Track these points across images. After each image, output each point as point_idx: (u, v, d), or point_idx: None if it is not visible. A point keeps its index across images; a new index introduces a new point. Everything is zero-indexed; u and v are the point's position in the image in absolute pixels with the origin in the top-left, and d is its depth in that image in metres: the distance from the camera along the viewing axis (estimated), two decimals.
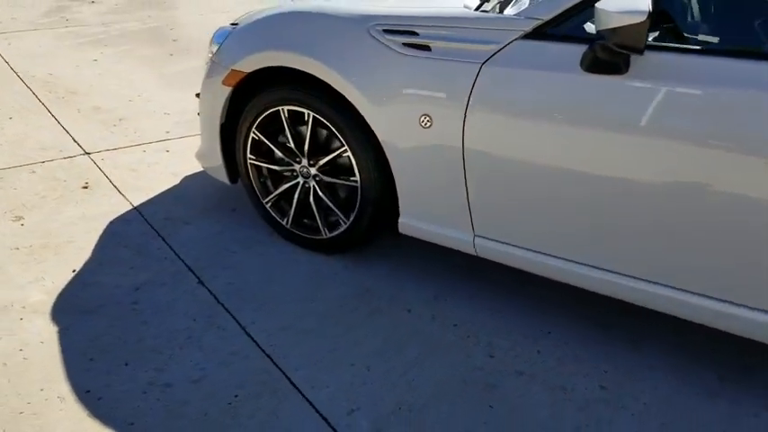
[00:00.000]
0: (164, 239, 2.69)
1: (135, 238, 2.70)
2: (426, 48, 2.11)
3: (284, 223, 2.64)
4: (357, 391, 1.96)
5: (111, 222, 2.80)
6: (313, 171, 2.49)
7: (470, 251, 2.26)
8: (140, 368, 2.02)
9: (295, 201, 2.57)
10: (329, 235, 2.54)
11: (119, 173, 3.21)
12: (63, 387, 1.94)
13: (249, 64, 2.43)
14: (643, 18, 1.62)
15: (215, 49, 2.65)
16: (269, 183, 2.65)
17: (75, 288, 2.37)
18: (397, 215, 2.35)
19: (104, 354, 2.07)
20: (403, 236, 2.39)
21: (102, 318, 2.23)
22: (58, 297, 2.32)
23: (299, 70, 2.37)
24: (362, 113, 2.23)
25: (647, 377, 2.03)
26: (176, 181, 3.16)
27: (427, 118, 2.11)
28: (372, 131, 2.26)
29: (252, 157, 2.61)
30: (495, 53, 1.99)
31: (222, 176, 2.76)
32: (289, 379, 2.00)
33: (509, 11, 2.09)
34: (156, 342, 2.12)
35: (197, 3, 6.29)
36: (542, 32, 1.95)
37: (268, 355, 2.09)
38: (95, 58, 4.84)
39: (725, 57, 1.72)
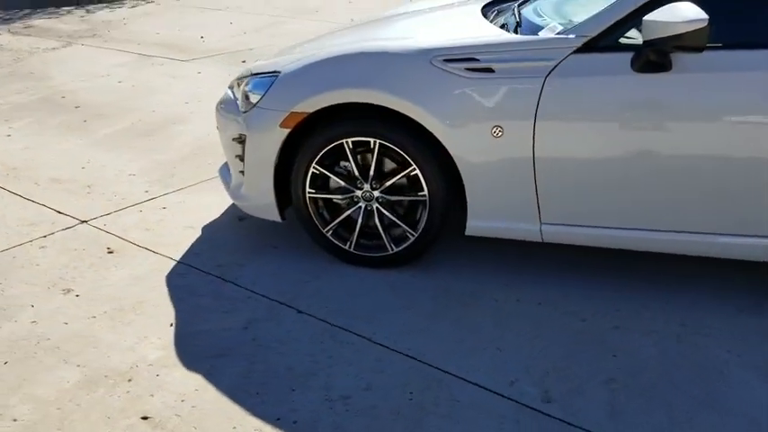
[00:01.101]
0: (233, 283, 2.78)
1: (203, 286, 2.76)
2: (490, 70, 2.49)
3: (347, 247, 2.85)
4: (505, 367, 2.25)
5: (168, 277, 2.83)
6: (376, 194, 2.75)
7: (537, 239, 2.65)
8: (308, 390, 2.16)
9: (359, 224, 2.80)
10: (396, 249, 2.79)
11: (135, 234, 3.21)
12: (253, 421, 2.03)
13: (313, 104, 2.65)
14: (705, 23, 2.13)
15: (256, 98, 2.82)
16: (326, 213, 2.85)
17: (186, 339, 2.42)
18: (457, 221, 2.67)
19: (265, 386, 2.18)
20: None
21: (236, 358, 2.32)
22: (177, 350, 2.36)
23: (358, 104, 2.62)
24: (436, 134, 2.55)
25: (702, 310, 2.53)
26: (197, 233, 3.22)
27: (499, 129, 2.49)
28: (440, 148, 2.57)
29: (311, 190, 2.80)
30: (555, 67, 2.42)
31: (273, 215, 2.91)
32: (442, 370, 2.24)
33: (545, 33, 2.53)
34: (303, 367, 2.26)
35: (70, 71, 6.09)
36: (591, 46, 2.41)
37: (410, 357, 2.31)
38: (8, 134, 4.61)
39: (741, 49, 2.28)
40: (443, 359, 2.29)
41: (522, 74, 2.46)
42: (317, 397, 2.13)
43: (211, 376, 2.23)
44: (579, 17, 2.54)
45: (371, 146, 2.67)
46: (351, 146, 2.69)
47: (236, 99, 3.03)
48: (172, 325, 2.50)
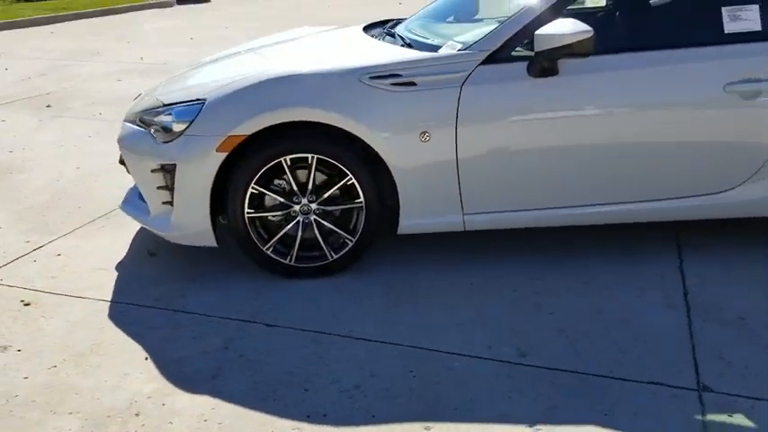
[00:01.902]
0: (184, 311, 2.79)
1: (154, 319, 2.74)
2: (413, 83, 2.84)
3: (288, 261, 2.99)
4: (474, 337, 2.57)
5: (111, 318, 2.76)
6: (314, 206, 2.95)
7: (460, 228, 3.03)
8: (320, 388, 2.30)
9: (299, 238, 2.96)
10: (336, 256, 3.00)
11: (43, 283, 3.04)
12: (286, 422, 2.14)
13: (252, 126, 2.78)
14: (592, 34, 2.68)
15: (181, 126, 2.87)
16: (262, 231, 2.98)
17: (171, 367, 2.42)
18: (388, 223, 2.96)
19: (278, 392, 2.28)
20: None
21: (233, 374, 2.38)
22: (169, 378, 2.36)
23: (293, 123, 2.82)
24: (371, 144, 2.82)
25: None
26: (112, 272, 3.14)
27: (426, 135, 2.84)
28: (371, 157, 2.86)
29: (250, 210, 2.91)
30: (467, 78, 2.84)
31: (208, 240, 2.96)
32: (427, 348, 2.52)
33: (446, 50, 2.94)
34: (303, 370, 2.39)
35: None
36: (494, 58, 2.87)
37: (393, 343, 2.55)
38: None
39: (613, 53, 2.87)
40: (421, 340, 2.55)
41: (441, 85, 2.83)
42: (331, 392, 2.28)
43: (220, 394, 2.27)
44: (457, 35, 3.00)
45: (309, 161, 2.86)
46: (289, 163, 2.85)
47: (147, 131, 3.02)
48: (147, 359, 2.47)
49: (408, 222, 2.97)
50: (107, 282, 3.04)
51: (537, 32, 2.77)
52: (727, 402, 2.18)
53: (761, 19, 2.95)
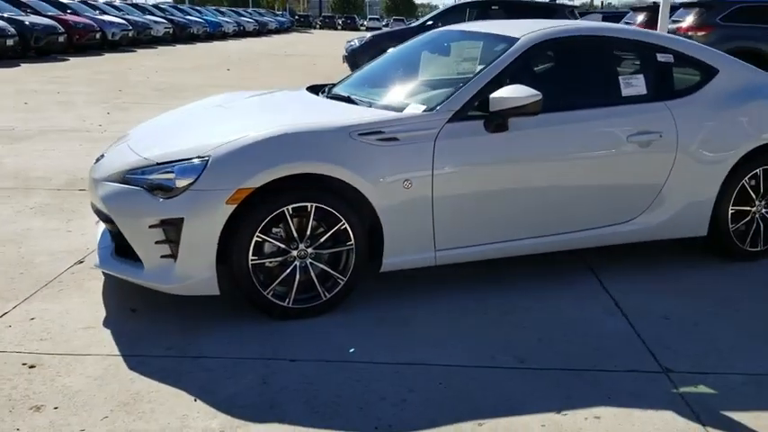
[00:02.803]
0: (206, 357, 2.93)
1: (179, 367, 2.85)
2: (395, 139, 3.29)
3: (286, 304, 3.24)
4: (476, 351, 3.01)
5: (135, 370, 2.83)
6: (310, 250, 3.25)
7: (432, 263, 3.49)
8: (374, 403, 2.60)
9: (296, 281, 3.23)
10: (329, 296, 3.30)
11: (37, 345, 2.98)
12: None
13: (260, 180, 3.03)
14: (540, 97, 3.31)
15: (184, 182, 3.06)
16: (262, 276, 3.21)
17: (226, 404, 2.56)
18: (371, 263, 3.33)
19: (341, 410, 2.55)
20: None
21: (290, 404, 2.59)
22: (230, 413, 2.51)
23: (293, 175, 3.13)
24: (363, 192, 3.20)
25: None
26: (103, 331, 3.14)
27: (408, 182, 3.29)
28: (363, 205, 3.25)
29: (254, 258, 3.14)
30: (438, 133, 3.35)
31: (212, 289, 3.13)
32: (441, 365, 2.91)
33: (411, 110, 3.43)
34: (348, 392, 2.67)
35: None
36: (458, 116, 3.41)
37: (414, 363, 2.92)
38: None
39: (553, 111, 3.52)
40: (433, 358, 2.93)
41: (419, 140, 3.30)
42: (384, 407, 2.58)
43: (287, 419, 2.48)
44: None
45: (308, 209, 3.17)
46: (291, 212, 3.14)
47: (141, 189, 3.14)
48: (196, 400, 2.60)
49: (390, 261, 3.36)
50: (103, 339, 3.06)
51: (492, 96, 3.35)
52: (687, 378, 2.81)
53: (645, 86, 3.78)
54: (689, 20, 13.34)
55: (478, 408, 2.57)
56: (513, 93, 3.31)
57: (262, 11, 55.61)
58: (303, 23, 66.26)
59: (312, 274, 3.23)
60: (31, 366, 2.82)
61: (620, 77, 3.78)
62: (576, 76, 3.87)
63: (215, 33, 33.02)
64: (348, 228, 3.22)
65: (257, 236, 3.09)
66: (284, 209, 3.11)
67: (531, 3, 14.48)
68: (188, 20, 30.66)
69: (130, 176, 3.22)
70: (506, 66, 3.53)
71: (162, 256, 3.10)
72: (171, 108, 4.84)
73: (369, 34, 13.27)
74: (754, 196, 4.03)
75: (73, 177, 5.89)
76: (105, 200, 3.21)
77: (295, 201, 3.12)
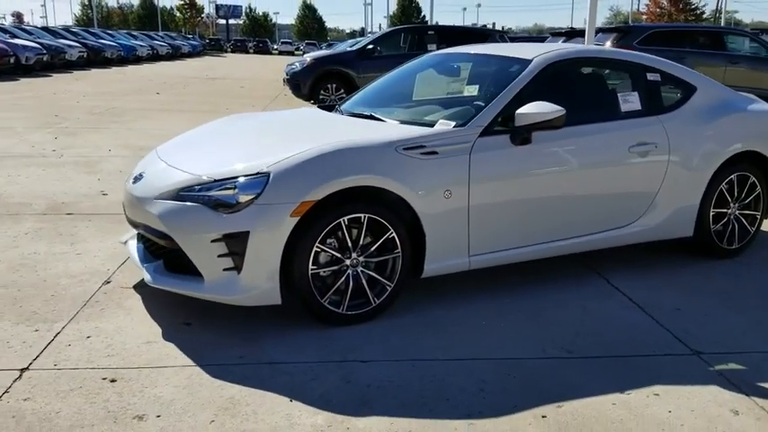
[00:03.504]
0: (279, 362, 3.07)
1: (261, 373, 2.97)
2: (435, 153, 3.54)
3: (340, 310, 3.41)
4: (526, 346, 3.28)
5: (220, 379, 2.93)
6: (361, 259, 3.44)
7: (466, 268, 3.74)
8: (456, 395, 2.83)
9: (350, 288, 3.41)
10: (378, 301, 3.50)
11: (107, 361, 3.03)
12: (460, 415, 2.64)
13: (322, 192, 3.21)
14: (564, 112, 3.64)
15: (248, 197, 3.19)
16: (319, 285, 3.37)
17: (323, 403, 2.72)
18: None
19: (432, 401, 2.76)
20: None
21: (383, 398, 2.78)
22: (331, 413, 2.67)
23: (348, 188, 3.32)
24: (410, 202, 3.43)
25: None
26: (165, 344, 3.21)
27: (448, 192, 3.54)
28: (408, 215, 3.47)
29: (313, 267, 3.30)
30: (472, 147, 3.63)
31: (274, 298, 3.26)
32: (493, 358, 3.17)
33: (441, 126, 3.70)
34: (430, 388, 2.88)
35: None
36: (487, 131, 3.70)
37: (468, 359, 3.15)
38: None
39: (567, 126, 3.86)
40: (491, 353, 3.18)
41: (456, 153, 3.56)
42: (468, 397, 2.79)
43: (386, 412, 2.65)
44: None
45: (361, 220, 3.36)
46: (347, 222, 3.33)
47: (201, 205, 3.24)
48: (292, 400, 2.73)
49: (431, 267, 3.59)
50: (169, 352, 3.13)
51: (518, 112, 3.66)
52: (717, 358, 3.17)
53: (639, 102, 4.20)
54: (608, 44, 14.30)
55: (549, 392, 2.83)
56: (538, 109, 3.63)
57: (173, 34, 54.68)
58: (214, 47, 65.53)
59: (363, 281, 3.41)
60: (112, 380, 2.87)
61: (618, 94, 4.18)
62: (582, 93, 4.25)
63: (129, 57, 32.30)
64: (396, 236, 3.42)
65: (316, 246, 3.25)
66: (341, 220, 3.28)
67: (465, 28, 15.11)
68: (101, 43, 29.89)
69: (186, 194, 3.31)
70: (525, 84, 3.85)
71: (224, 269, 3.21)
72: (122, 132, 4.91)
73: (308, 58, 13.47)
74: (729, 200, 4.50)
75: (53, 202, 5.80)
76: (163, 217, 3.29)
77: (351, 212, 3.30)
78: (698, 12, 52.68)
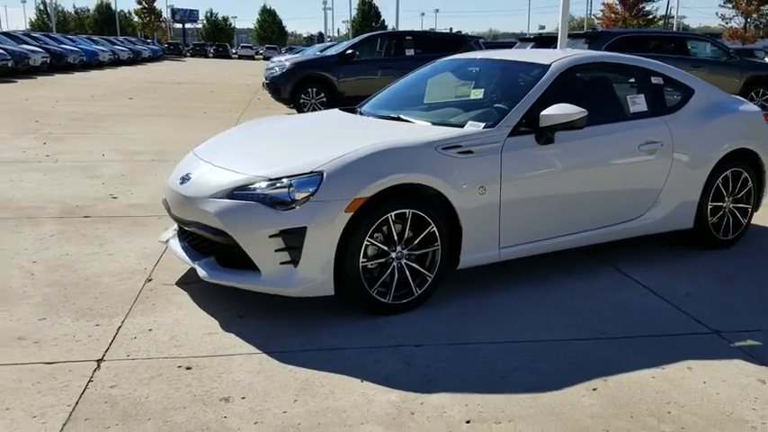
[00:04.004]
0: (338, 348, 3.28)
1: (324, 357, 3.18)
2: (470, 152, 3.80)
3: (387, 300, 3.63)
4: (559, 330, 3.55)
5: (289, 364, 3.13)
6: (405, 252, 3.67)
7: (496, 260, 4.01)
8: (508, 381, 3.08)
9: (395, 280, 3.64)
10: (420, 291, 3.73)
11: (175, 351, 3.20)
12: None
13: (373, 189, 3.42)
14: (586, 113, 3.94)
15: (304, 194, 3.40)
16: (368, 277, 3.58)
17: (391, 383, 2.95)
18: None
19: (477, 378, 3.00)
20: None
21: (445, 378, 3.02)
22: (402, 390, 2.88)
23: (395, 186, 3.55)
24: (449, 198, 3.68)
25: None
26: (226, 334, 3.39)
27: (483, 188, 3.80)
28: (447, 210, 3.72)
29: (363, 260, 3.52)
30: (503, 146, 3.90)
31: (328, 290, 3.47)
32: (538, 340, 3.43)
33: (471, 127, 3.96)
34: (477, 366, 3.14)
35: None
36: (514, 131, 3.97)
37: (516, 341, 3.41)
38: None
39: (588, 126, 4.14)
40: (534, 335, 3.44)
41: (489, 152, 3.82)
42: (522, 373, 3.05)
43: (452, 390, 2.89)
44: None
45: (406, 215, 3.59)
46: (393, 218, 3.55)
47: (259, 203, 3.43)
48: (362, 381, 2.95)
49: (466, 258, 3.84)
50: (233, 342, 3.31)
51: (543, 113, 3.93)
52: (735, 336, 3.48)
53: (646, 103, 4.52)
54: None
55: (594, 369, 3.10)
56: (562, 110, 3.91)
57: (133, 39, 53.99)
58: (173, 52, 64.86)
59: (407, 272, 3.64)
60: (188, 368, 3.04)
61: (627, 97, 4.50)
62: (596, 95, 4.55)
63: (91, 62, 31.88)
64: (435, 230, 3.66)
65: (367, 240, 3.47)
66: (388, 215, 3.50)
67: (441, 34, 15.45)
68: (64, 49, 29.45)
69: (240, 192, 3.50)
70: (546, 88, 4.13)
71: (281, 263, 3.41)
72: (107, 137, 5.05)
73: (288, 63, 13.62)
74: (725, 194, 4.86)
75: (65, 206, 5.89)
76: (220, 215, 3.46)
77: (397, 208, 3.52)
78: (650, 17, 54.22)
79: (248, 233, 3.42)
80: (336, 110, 4.91)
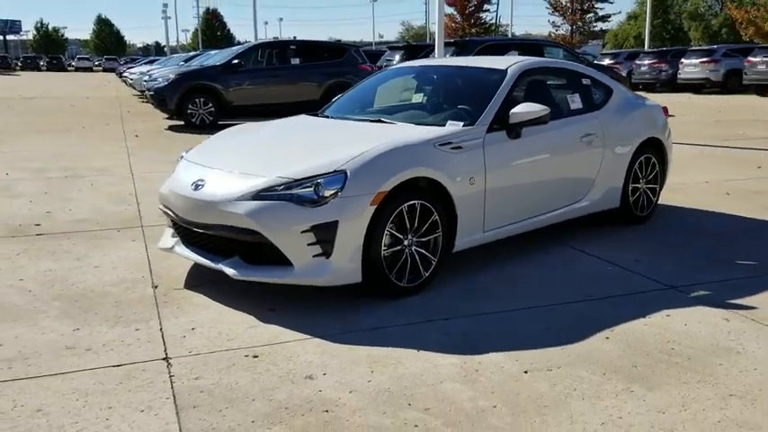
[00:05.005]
0: (379, 328, 3.65)
1: (369, 337, 3.54)
2: (460, 147, 4.30)
3: (402, 284, 4.04)
4: (566, 292, 4.15)
5: (348, 344, 3.45)
6: (414, 239, 4.10)
7: (480, 242, 4.54)
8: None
9: (408, 264, 4.06)
10: (427, 274, 4.16)
11: (232, 343, 3.44)
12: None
13: (391, 184, 3.81)
14: (549, 110, 4.56)
15: (331, 191, 3.73)
16: (387, 263, 3.97)
17: (445, 350, 3.38)
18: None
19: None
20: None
21: (488, 341, 3.48)
22: (461, 356, 3.33)
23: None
24: (448, 188, 4.15)
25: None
26: (265, 327, 3.67)
27: (473, 179, 4.31)
28: (446, 200, 4.20)
29: (384, 248, 3.91)
30: (483, 141, 4.44)
31: (357, 277, 3.81)
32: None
33: (451, 126, 4.47)
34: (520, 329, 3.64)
35: None
36: (490, 128, 4.53)
37: (526, 308, 3.95)
38: None
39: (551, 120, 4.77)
40: (532, 303, 3.98)
41: (474, 147, 4.33)
42: (540, 331, 3.58)
43: (495, 350, 3.36)
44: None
45: (415, 206, 4.01)
46: (406, 209, 3.96)
47: (289, 202, 3.72)
48: (419, 351, 3.35)
49: (459, 242, 4.33)
50: (280, 331, 3.53)
51: (513, 111, 4.51)
52: (688, 288, 4.22)
53: (581, 102, 5.25)
54: (447, 57, 15.76)
55: (597, 323, 3.67)
56: (529, 108, 4.50)
57: None
58: (1, 65, 60.00)
59: (417, 258, 4.06)
60: (255, 356, 3.28)
61: (567, 96, 5.20)
62: (545, 95, 5.18)
63: None
64: (438, 219, 4.11)
65: (387, 229, 3.85)
66: (402, 207, 3.91)
67: (324, 43, 15.88)
68: None
69: (266, 194, 3.76)
70: (509, 89, 4.71)
71: (314, 256, 3.71)
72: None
73: (172, 75, 13.46)
74: (640, 176, 5.71)
75: (6, 225, 5.75)
76: (252, 215, 3.69)
77: (409, 200, 3.93)
78: (486, 26, 57.67)
79: (281, 230, 3.68)
80: (303, 116, 5.20)
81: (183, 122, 13.49)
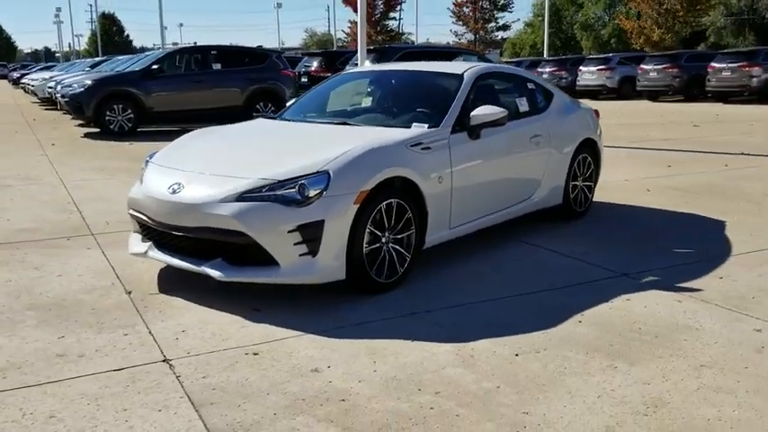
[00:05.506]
0: (370, 321, 3.79)
1: (374, 328, 3.68)
2: (429, 148, 4.50)
3: (382, 279, 4.19)
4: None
5: (356, 339, 3.57)
6: (390, 237, 4.26)
7: (448, 238, 4.75)
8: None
9: (387, 261, 4.22)
10: (402, 270, 4.33)
11: (228, 342, 3.50)
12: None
13: (372, 183, 3.94)
14: (507, 113, 4.83)
15: (315, 191, 3.85)
16: (368, 260, 4.11)
17: (442, 339, 3.56)
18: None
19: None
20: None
21: (475, 328, 3.68)
22: (461, 342, 3.52)
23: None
24: (420, 188, 4.33)
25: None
26: (255, 325, 3.74)
27: (441, 177, 4.52)
28: (418, 198, 4.39)
29: (366, 245, 4.05)
30: (449, 142, 4.66)
31: (341, 275, 3.93)
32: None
33: (417, 129, 4.67)
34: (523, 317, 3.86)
35: None
36: (453, 129, 4.75)
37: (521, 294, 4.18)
38: None
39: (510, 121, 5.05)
40: (506, 293, 4.23)
41: (441, 148, 4.54)
42: (519, 318, 3.83)
43: (484, 336, 3.57)
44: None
45: (392, 204, 4.17)
46: (384, 207, 4.12)
47: (274, 203, 3.80)
48: (413, 340, 3.51)
49: (429, 239, 4.52)
50: (271, 329, 3.59)
51: (473, 113, 4.76)
52: (639, 275, 4.59)
53: (527, 105, 5.58)
54: (367, 63, 16.04)
55: (568, 308, 3.93)
56: (489, 110, 4.76)
57: None
58: None
59: (393, 255, 4.22)
60: (255, 354, 3.34)
61: (516, 99, 5.51)
62: (498, 98, 5.46)
63: None
64: (411, 216, 4.29)
65: (368, 228, 3.99)
66: (381, 205, 4.06)
67: (245, 48, 15.80)
68: None
69: (250, 195, 3.82)
70: (467, 93, 4.96)
71: (300, 255, 3.80)
72: None
73: (89, 80, 13.03)
74: (578, 174, 6.10)
75: None
76: (238, 216, 3.74)
77: (386, 198, 4.09)
78: (393, 33, 58.55)
79: (267, 231, 3.76)
80: (263, 119, 5.28)
81: (98, 129, 13.07)
